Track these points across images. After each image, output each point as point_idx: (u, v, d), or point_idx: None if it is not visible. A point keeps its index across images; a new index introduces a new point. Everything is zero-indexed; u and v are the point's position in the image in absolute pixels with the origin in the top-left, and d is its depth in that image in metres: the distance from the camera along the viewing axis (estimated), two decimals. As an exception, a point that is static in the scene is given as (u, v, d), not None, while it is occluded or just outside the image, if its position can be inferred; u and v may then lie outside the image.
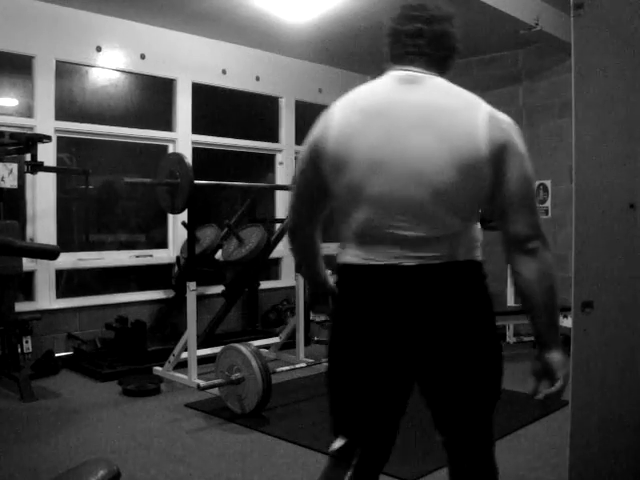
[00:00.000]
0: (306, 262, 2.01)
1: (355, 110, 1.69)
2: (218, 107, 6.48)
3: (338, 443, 1.70)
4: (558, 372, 1.56)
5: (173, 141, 5.94)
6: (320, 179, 1.70)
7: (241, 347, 3.81)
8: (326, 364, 1.78)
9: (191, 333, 4.34)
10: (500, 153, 1.57)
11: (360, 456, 1.70)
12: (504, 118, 1.64)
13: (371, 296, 1.63)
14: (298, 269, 1.93)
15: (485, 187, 1.59)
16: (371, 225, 1.62)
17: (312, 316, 6.23)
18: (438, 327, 1.60)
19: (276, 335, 5.38)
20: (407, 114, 1.62)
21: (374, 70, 7.49)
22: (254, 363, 3.70)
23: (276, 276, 6.89)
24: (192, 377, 4.33)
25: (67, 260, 5.20)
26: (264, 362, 3.76)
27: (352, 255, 1.66)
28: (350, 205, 1.65)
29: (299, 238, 1.92)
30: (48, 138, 4.52)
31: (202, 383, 3.85)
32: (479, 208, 1.68)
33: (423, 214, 1.58)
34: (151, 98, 5.98)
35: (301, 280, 4.97)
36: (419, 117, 1.60)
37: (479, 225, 1.71)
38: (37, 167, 4.49)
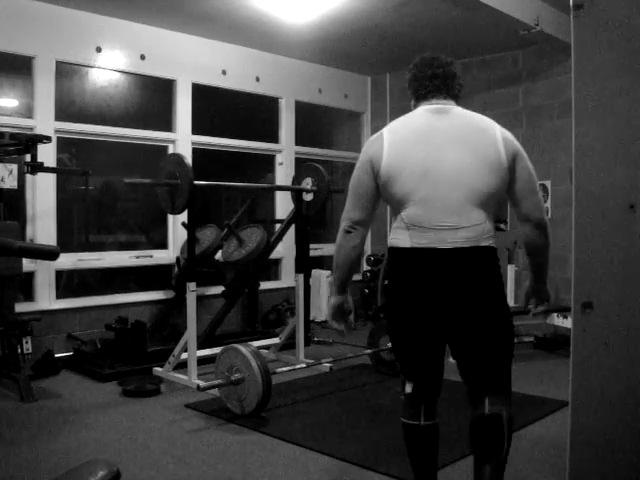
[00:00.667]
0: (347, 273, 2.38)
1: (403, 135, 2.26)
2: (218, 108, 6.48)
3: (409, 387, 2.37)
4: (547, 294, 2.45)
5: (173, 142, 5.94)
6: (374, 185, 2.27)
7: (241, 348, 3.81)
8: (389, 329, 2.41)
9: (191, 334, 4.34)
10: (513, 160, 2.22)
11: (423, 392, 2.37)
12: (509, 134, 2.27)
13: (418, 271, 2.23)
14: (342, 279, 2.40)
15: (504, 186, 2.22)
16: (419, 219, 2.20)
17: (312, 316, 6.23)
18: (464, 294, 2.21)
19: (276, 336, 5.38)
20: (444, 135, 2.21)
21: (373, 71, 7.51)
22: (254, 364, 3.70)
23: (276, 277, 6.89)
24: (192, 378, 4.33)
25: (67, 261, 5.20)
26: (264, 363, 3.76)
27: (403, 240, 2.25)
28: (401, 204, 2.23)
29: (354, 236, 2.32)
30: (48, 139, 4.52)
31: (202, 384, 3.85)
32: (497, 205, 2.27)
33: (458, 210, 2.18)
34: (151, 99, 5.99)
35: (301, 280, 4.97)
36: (453, 137, 2.21)
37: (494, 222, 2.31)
38: (37, 168, 4.49)
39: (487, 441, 2.30)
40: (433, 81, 2.31)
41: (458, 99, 2.36)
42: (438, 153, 2.19)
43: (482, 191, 2.18)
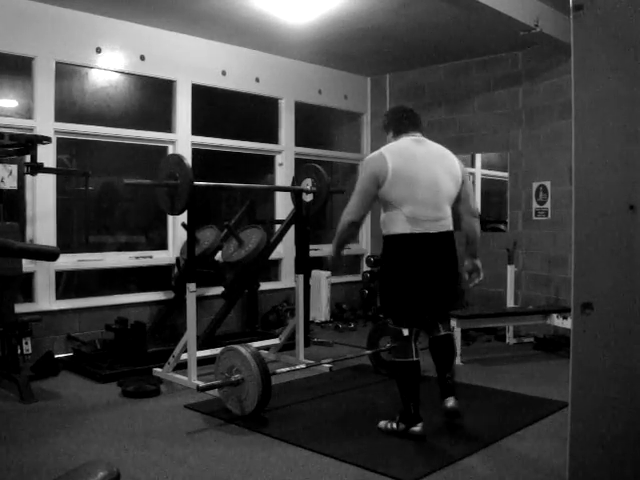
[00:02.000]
0: (347, 240, 3.55)
1: (400, 155, 3.34)
2: (218, 108, 6.48)
3: (406, 331, 3.35)
4: (481, 269, 3.62)
5: (173, 142, 5.94)
6: (376, 191, 3.32)
7: (240, 348, 3.81)
8: (389, 292, 3.46)
9: (191, 334, 4.34)
10: (463, 176, 3.48)
11: (415, 333, 3.42)
12: (457, 159, 3.54)
13: (416, 248, 3.32)
14: (340, 246, 3.55)
15: (458, 192, 3.47)
16: (416, 213, 3.28)
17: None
18: (446, 261, 3.43)
19: (276, 336, 5.37)
20: (426, 157, 3.38)
21: (373, 71, 7.53)
22: (253, 364, 3.70)
23: (276, 277, 6.89)
24: (192, 378, 4.32)
25: (67, 261, 5.20)
26: (263, 363, 3.75)
27: (404, 229, 3.30)
28: (401, 203, 3.29)
29: (355, 227, 3.44)
30: (48, 139, 4.52)
31: (201, 384, 3.84)
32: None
33: (440, 207, 3.35)
34: (151, 99, 5.99)
35: (301, 281, 4.98)
36: (432, 159, 3.39)
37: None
38: (37, 168, 4.49)
39: (446, 350, 3.60)
40: (410, 120, 3.50)
41: (423, 132, 3.55)
42: (425, 169, 3.33)
43: (450, 196, 3.41)
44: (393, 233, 3.33)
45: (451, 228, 3.40)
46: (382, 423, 3.49)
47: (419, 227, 3.27)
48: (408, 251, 3.32)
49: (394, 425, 3.41)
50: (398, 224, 3.30)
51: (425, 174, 3.30)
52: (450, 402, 3.45)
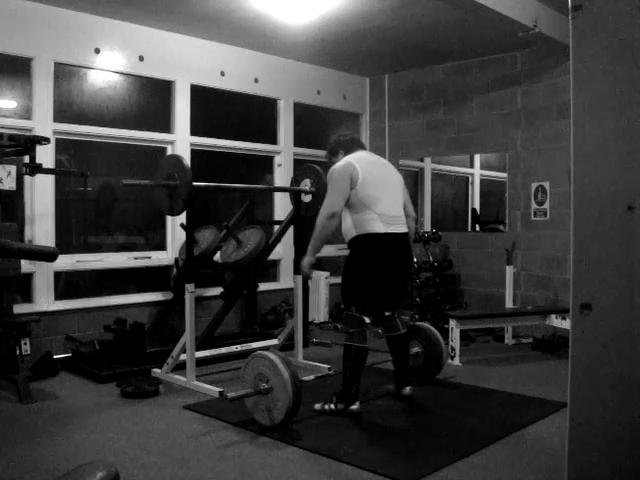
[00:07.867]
0: (328, 236, 3.80)
1: (365, 162, 3.85)
2: (217, 109, 6.48)
3: (368, 319, 3.70)
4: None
5: (172, 143, 5.94)
6: (349, 190, 3.72)
7: (271, 355, 3.63)
8: (356, 284, 3.78)
9: (189, 335, 4.33)
10: (403, 183, 4.04)
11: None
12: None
13: (387, 247, 3.75)
14: (320, 246, 3.90)
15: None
16: (385, 211, 3.75)
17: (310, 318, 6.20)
18: (406, 260, 3.97)
19: (275, 337, 5.37)
20: (382, 166, 4.00)
21: (372, 72, 7.51)
22: (284, 372, 3.49)
23: (274, 278, 6.89)
24: (190, 379, 4.32)
25: (66, 262, 5.20)
26: (294, 371, 3.56)
27: (378, 228, 3.71)
28: (372, 202, 3.72)
29: (335, 219, 3.72)
30: (46, 140, 4.52)
31: (231, 395, 3.55)
32: None
33: (400, 206, 3.92)
34: (150, 100, 5.99)
35: (300, 282, 4.98)
36: (384, 167, 4.00)
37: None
38: (35, 169, 4.49)
39: (404, 345, 4.10)
40: (358, 141, 4.09)
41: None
42: (384, 175, 3.89)
43: (401, 198, 3.95)
44: (367, 232, 3.69)
45: (406, 229, 3.90)
46: (317, 405, 3.82)
47: (390, 228, 3.73)
48: (380, 249, 3.71)
49: (332, 406, 3.76)
50: (372, 224, 3.69)
51: (385, 178, 3.85)
52: (407, 390, 3.99)
